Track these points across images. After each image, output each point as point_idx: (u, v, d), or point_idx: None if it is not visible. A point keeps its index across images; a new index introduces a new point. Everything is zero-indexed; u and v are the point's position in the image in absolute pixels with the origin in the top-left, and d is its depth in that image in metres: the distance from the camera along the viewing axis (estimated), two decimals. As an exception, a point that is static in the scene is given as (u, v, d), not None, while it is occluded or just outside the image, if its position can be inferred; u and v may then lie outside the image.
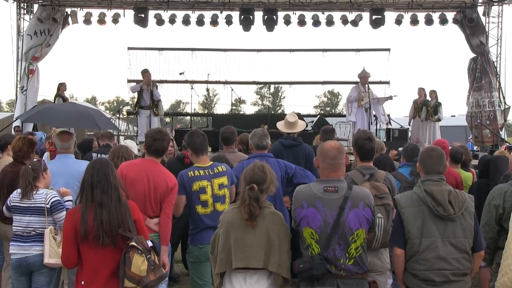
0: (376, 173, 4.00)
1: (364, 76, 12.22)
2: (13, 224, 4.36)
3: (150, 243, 3.44)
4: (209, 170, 4.41)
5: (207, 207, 4.32)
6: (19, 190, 4.34)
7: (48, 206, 4.27)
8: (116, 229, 3.33)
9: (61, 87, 13.31)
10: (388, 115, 13.18)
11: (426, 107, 12.90)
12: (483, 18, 14.19)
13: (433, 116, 12.79)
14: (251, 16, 14.16)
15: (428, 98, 12.99)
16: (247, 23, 14.17)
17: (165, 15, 14.55)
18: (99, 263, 3.35)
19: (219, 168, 4.45)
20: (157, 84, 13.17)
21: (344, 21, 14.37)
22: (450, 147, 6.37)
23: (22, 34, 14.07)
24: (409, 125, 13.55)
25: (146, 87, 12.37)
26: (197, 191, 4.32)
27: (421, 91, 13.12)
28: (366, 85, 12.18)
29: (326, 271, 3.14)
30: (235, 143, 5.97)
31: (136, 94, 12.91)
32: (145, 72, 12.66)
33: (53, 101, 13.60)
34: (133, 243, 3.32)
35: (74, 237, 3.34)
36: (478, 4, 14.32)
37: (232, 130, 5.89)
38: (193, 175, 4.34)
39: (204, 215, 4.31)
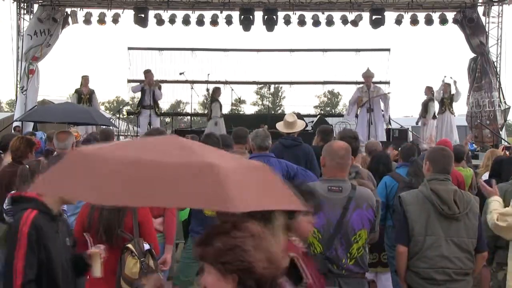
0: (360, 171, 4.12)
1: (366, 76, 12.22)
2: None
3: (147, 246, 3.39)
4: None
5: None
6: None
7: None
8: (115, 229, 3.34)
9: (83, 80, 12.83)
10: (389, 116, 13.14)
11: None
12: (483, 18, 14.16)
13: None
14: (251, 16, 14.13)
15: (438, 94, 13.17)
16: (247, 23, 14.14)
17: (165, 15, 14.52)
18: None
19: None
20: (160, 84, 13.04)
21: (344, 21, 14.33)
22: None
23: (22, 34, 14.02)
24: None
25: (148, 87, 12.33)
26: None
27: (428, 89, 13.25)
28: (368, 85, 12.16)
29: (327, 270, 3.14)
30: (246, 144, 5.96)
31: (137, 94, 12.88)
32: (147, 72, 12.55)
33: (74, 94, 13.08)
34: (129, 245, 3.32)
35: (81, 231, 3.41)
36: (478, 4, 14.30)
37: (246, 130, 5.85)
38: None
39: (211, 217, 4.29)
